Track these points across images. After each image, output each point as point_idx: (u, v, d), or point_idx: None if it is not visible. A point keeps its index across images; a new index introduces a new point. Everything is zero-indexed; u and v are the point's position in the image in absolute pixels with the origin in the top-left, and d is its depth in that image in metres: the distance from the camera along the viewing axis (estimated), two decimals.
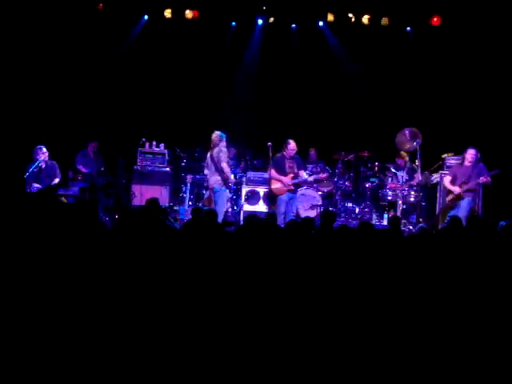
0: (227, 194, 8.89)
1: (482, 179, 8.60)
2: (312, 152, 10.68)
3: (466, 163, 8.77)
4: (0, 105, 10.12)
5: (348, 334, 2.96)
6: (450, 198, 8.89)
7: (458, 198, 8.72)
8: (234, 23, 11.34)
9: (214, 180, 8.62)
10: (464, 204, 8.65)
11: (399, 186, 9.80)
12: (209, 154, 8.76)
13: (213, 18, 11.10)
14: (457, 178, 8.82)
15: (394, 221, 6.48)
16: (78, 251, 3.41)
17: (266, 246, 3.80)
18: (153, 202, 6.77)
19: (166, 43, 11.13)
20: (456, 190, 8.71)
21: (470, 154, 8.72)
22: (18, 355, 2.67)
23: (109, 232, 4.22)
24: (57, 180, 8.95)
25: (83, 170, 9.60)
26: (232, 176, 9.09)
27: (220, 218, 8.51)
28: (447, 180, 8.92)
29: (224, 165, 8.58)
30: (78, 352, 2.72)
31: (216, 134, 8.67)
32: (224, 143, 8.68)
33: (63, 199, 7.71)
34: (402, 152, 10.00)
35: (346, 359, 2.84)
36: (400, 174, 9.97)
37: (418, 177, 9.42)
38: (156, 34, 11.08)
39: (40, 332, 2.77)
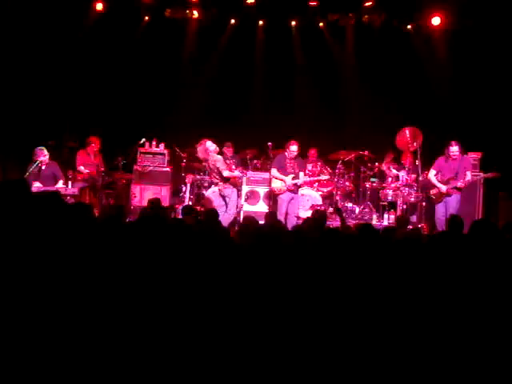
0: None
1: (461, 184, 8.50)
2: (312, 152, 10.68)
3: (451, 159, 8.68)
4: (2, 104, 10.08)
5: (347, 336, 2.96)
6: (434, 191, 8.78)
7: (445, 193, 8.65)
8: (232, 22, 11.32)
9: (223, 184, 8.70)
10: (453, 203, 8.56)
11: (398, 187, 9.79)
12: (206, 166, 8.84)
13: (212, 18, 11.09)
14: (442, 173, 8.73)
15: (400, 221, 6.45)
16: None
17: (265, 247, 3.78)
18: (155, 202, 6.78)
19: (167, 43, 11.11)
20: (443, 188, 8.61)
21: (453, 151, 8.59)
22: (18, 354, 2.66)
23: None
24: (61, 182, 8.92)
25: (84, 171, 9.57)
26: (236, 172, 9.13)
27: (231, 219, 8.60)
28: (432, 173, 8.81)
29: (227, 173, 8.63)
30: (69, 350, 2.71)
31: (200, 148, 8.69)
32: (213, 150, 8.68)
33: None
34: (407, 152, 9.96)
35: (346, 362, 2.84)
36: (401, 173, 9.91)
37: (418, 176, 9.42)
38: (156, 33, 11.05)
39: (38, 330, 2.76)
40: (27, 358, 2.65)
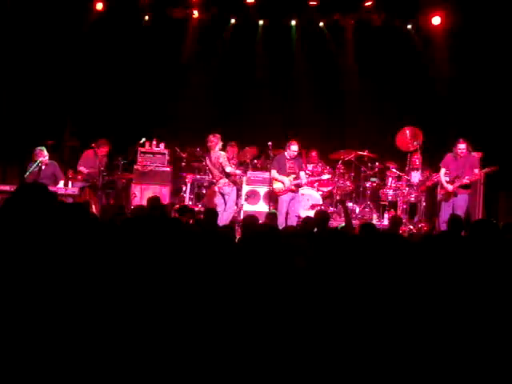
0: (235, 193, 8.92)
1: (466, 181, 8.49)
2: (313, 154, 10.68)
3: (458, 157, 8.69)
4: (1, 105, 10.08)
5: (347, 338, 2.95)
6: (443, 192, 8.81)
7: (452, 193, 8.66)
8: (232, 21, 11.33)
9: (223, 182, 8.62)
10: (460, 202, 8.55)
11: (398, 186, 9.81)
12: (207, 159, 8.78)
13: (213, 17, 11.10)
14: (449, 171, 8.74)
15: (394, 221, 6.46)
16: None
17: (264, 248, 3.77)
18: (155, 200, 6.77)
19: (167, 43, 11.11)
20: (449, 187, 8.61)
21: (461, 148, 8.59)
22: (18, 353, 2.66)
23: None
24: (61, 182, 8.93)
25: (84, 171, 9.56)
26: (238, 171, 9.11)
27: (230, 218, 8.58)
28: (442, 172, 8.82)
29: (229, 169, 8.57)
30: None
31: (210, 137, 8.67)
32: (219, 145, 8.67)
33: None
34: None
35: (347, 364, 2.83)
36: (415, 174, 9.88)
37: (418, 176, 9.42)
38: (157, 33, 11.05)
39: (37, 330, 2.75)
40: (27, 358, 2.65)
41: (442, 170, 8.81)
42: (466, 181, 8.51)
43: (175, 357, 2.76)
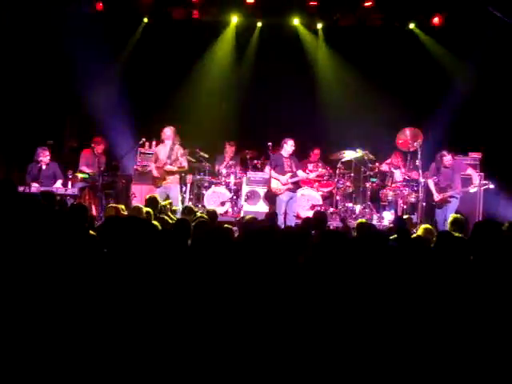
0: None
1: (462, 191, 8.72)
2: (316, 152, 10.69)
3: (443, 167, 8.82)
4: (2, 105, 10.07)
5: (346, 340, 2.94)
6: (438, 198, 8.89)
7: (445, 200, 8.76)
8: (233, 21, 11.32)
9: (174, 177, 8.96)
10: (452, 206, 8.68)
11: (398, 187, 9.81)
12: (167, 152, 8.95)
13: (213, 18, 11.09)
14: (440, 181, 8.86)
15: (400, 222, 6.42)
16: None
17: (264, 248, 3.77)
18: (152, 200, 6.76)
19: (167, 43, 11.10)
20: (439, 197, 8.76)
21: (447, 160, 8.78)
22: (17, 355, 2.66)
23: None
24: (59, 182, 8.94)
25: (86, 170, 9.56)
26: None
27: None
28: (432, 183, 8.93)
29: (186, 164, 9.00)
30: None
31: (168, 129, 9.04)
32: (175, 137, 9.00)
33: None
34: (397, 151, 10.06)
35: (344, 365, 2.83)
36: (396, 173, 9.94)
37: (418, 175, 9.43)
38: (156, 33, 11.05)
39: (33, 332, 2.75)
40: (26, 359, 2.65)
41: (430, 181, 8.92)
42: (456, 194, 8.67)
43: (175, 353, 2.76)
